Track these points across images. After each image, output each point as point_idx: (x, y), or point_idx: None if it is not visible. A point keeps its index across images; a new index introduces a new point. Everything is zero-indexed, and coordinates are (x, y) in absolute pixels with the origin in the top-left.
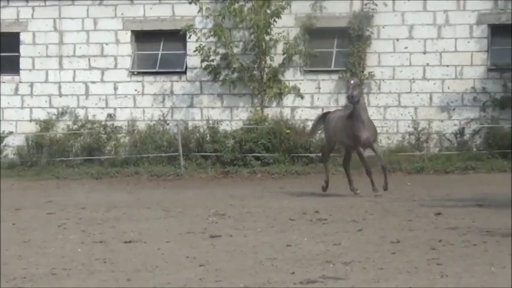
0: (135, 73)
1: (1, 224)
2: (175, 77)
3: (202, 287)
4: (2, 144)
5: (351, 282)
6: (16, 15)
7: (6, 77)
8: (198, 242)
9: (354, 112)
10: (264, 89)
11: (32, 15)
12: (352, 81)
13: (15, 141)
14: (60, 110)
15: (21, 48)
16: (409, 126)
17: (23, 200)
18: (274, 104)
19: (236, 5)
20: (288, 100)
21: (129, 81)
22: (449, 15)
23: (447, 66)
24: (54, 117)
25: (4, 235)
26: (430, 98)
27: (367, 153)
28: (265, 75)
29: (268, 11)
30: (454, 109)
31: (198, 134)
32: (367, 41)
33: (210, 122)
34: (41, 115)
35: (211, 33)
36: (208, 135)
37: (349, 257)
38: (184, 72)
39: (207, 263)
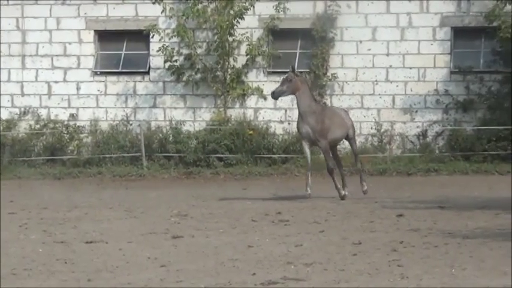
0: (98, 73)
1: None
2: (138, 77)
3: (163, 287)
4: None
5: (312, 283)
6: None
7: None
8: (160, 242)
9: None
10: (227, 89)
11: None
12: (285, 76)
13: None
14: (22, 109)
15: None
16: (372, 128)
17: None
18: (238, 105)
19: (199, 6)
20: (251, 101)
21: (92, 81)
22: (413, 17)
23: (410, 68)
24: (16, 116)
25: None
26: (393, 100)
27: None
28: (228, 76)
29: (232, 12)
30: (416, 111)
31: (161, 135)
32: (330, 42)
33: (173, 122)
34: (3, 114)
35: (175, 33)
36: (171, 135)
37: (310, 258)
38: (148, 73)
39: (168, 264)
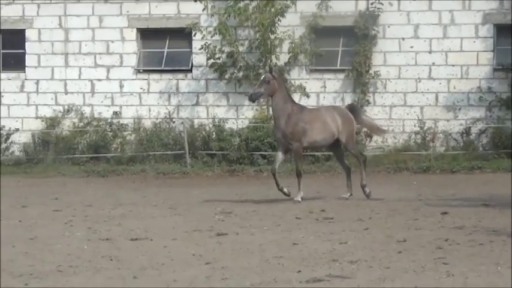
0: (141, 71)
1: (7, 221)
2: (180, 75)
3: (209, 285)
4: (8, 141)
5: (357, 281)
6: (21, 12)
7: (11, 74)
8: (204, 240)
9: None
10: None
11: (38, 12)
12: (262, 77)
13: (21, 138)
14: (66, 107)
15: (27, 45)
16: (415, 126)
17: (29, 197)
18: None
19: (241, 4)
20: (294, 99)
21: (134, 79)
22: (455, 14)
23: (453, 65)
24: (60, 114)
25: (10, 232)
26: (436, 98)
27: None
28: None
29: (273, 10)
30: (459, 109)
31: (204, 132)
32: (373, 40)
33: (216, 120)
34: (47, 112)
35: (216, 31)
36: (214, 133)
37: (355, 256)
38: (190, 70)
39: (213, 261)
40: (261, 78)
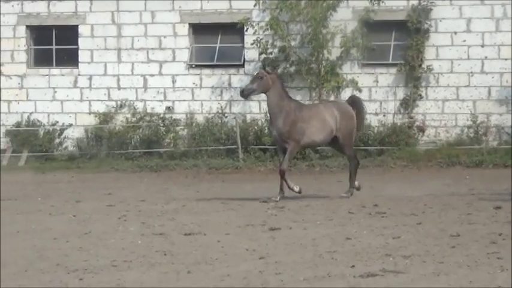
0: (193, 66)
1: (61, 216)
2: (233, 70)
3: (262, 280)
4: (61, 137)
5: (411, 276)
6: (74, 8)
7: (65, 70)
8: (257, 234)
9: None
10: (322, 82)
11: (90, 8)
12: (255, 73)
13: (74, 134)
14: (118, 102)
15: (80, 41)
16: (467, 120)
17: (82, 192)
18: (332, 97)
19: None
20: (346, 93)
21: (187, 74)
22: (507, 8)
23: (505, 59)
24: (113, 109)
25: (65, 227)
26: (489, 92)
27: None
28: (323, 69)
29: (325, 5)
30: None
31: (256, 127)
32: (425, 34)
33: (268, 114)
34: (100, 108)
35: (268, 26)
36: (266, 128)
37: (408, 251)
38: (242, 65)
39: (266, 256)
40: (255, 74)
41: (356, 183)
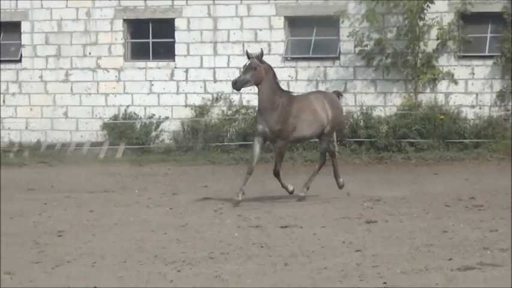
0: (289, 59)
1: (158, 209)
2: (328, 63)
3: (359, 272)
4: (158, 129)
5: (509, 269)
6: (171, 1)
7: (161, 63)
8: (353, 227)
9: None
10: (418, 74)
11: (187, 1)
12: (247, 63)
13: (171, 126)
14: (214, 95)
15: (176, 34)
16: None
17: (179, 185)
18: (428, 89)
19: None
20: (442, 86)
21: (282, 67)
22: None
23: None
24: (209, 102)
25: (162, 219)
26: None
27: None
28: (418, 61)
29: None
30: None
31: (351, 120)
32: None
33: (364, 107)
34: (196, 100)
35: (364, 18)
36: (362, 120)
37: (506, 244)
38: (338, 58)
39: (363, 248)
40: (247, 64)
41: (341, 179)
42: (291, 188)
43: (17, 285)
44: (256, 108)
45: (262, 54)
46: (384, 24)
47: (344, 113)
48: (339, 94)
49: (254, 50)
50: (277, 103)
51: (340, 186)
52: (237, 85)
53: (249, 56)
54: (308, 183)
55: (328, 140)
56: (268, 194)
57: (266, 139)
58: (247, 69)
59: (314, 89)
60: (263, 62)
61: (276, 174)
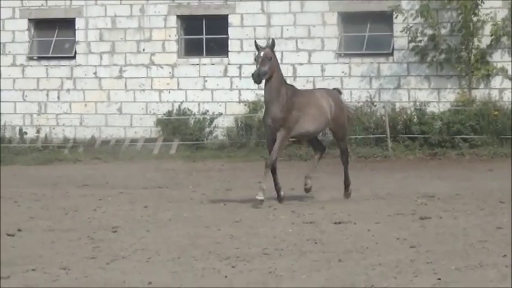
0: (342, 55)
1: (212, 204)
2: (382, 59)
3: (414, 268)
4: (212, 126)
5: None
6: None
7: (215, 59)
8: (407, 223)
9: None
10: (472, 70)
11: None
12: (261, 54)
13: (224, 123)
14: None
15: (230, 30)
16: None
17: (232, 181)
18: (482, 85)
19: None
20: (496, 82)
21: (336, 63)
22: None
23: None
24: (262, 98)
25: (216, 215)
26: None
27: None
28: (472, 57)
29: None
30: None
31: (405, 116)
32: None
33: (417, 103)
34: (250, 96)
35: (418, 14)
36: (415, 116)
37: None
38: (391, 54)
39: (417, 245)
40: (261, 55)
41: (309, 181)
42: (282, 193)
43: (72, 281)
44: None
45: (274, 44)
46: (438, 20)
47: (347, 111)
48: (339, 91)
49: (307, 46)
50: (282, 94)
51: (308, 189)
52: (260, 78)
53: (258, 48)
54: (348, 182)
55: (343, 138)
56: (321, 189)
57: (272, 132)
58: (263, 60)
59: (368, 86)
60: (274, 53)
61: (272, 168)
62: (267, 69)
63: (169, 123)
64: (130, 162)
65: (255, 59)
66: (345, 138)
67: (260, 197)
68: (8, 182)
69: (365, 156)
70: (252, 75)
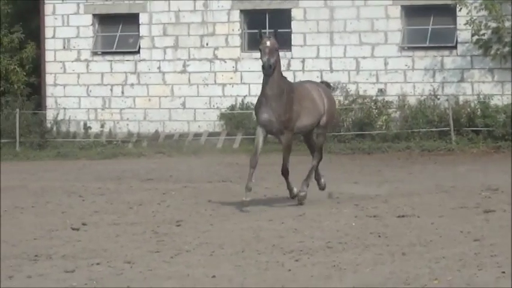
0: (405, 48)
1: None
2: (445, 52)
3: (478, 262)
4: None
5: None
6: None
7: None
8: (471, 217)
9: (262, 84)
10: None
11: None
12: (267, 43)
13: None
14: (332, 85)
15: (293, 24)
16: None
17: (296, 175)
18: None
19: None
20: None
21: (399, 56)
22: None
23: None
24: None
25: (279, 209)
26: None
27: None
28: None
29: None
30: None
31: (469, 109)
32: None
33: (481, 96)
34: None
35: (482, 6)
36: (479, 110)
37: None
38: (455, 47)
39: (481, 238)
40: (269, 45)
41: (295, 189)
42: (295, 190)
43: (136, 274)
44: (259, 96)
45: (276, 34)
46: (502, 13)
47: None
48: (328, 85)
49: (370, 39)
50: (281, 89)
51: (296, 196)
52: (271, 69)
53: (262, 36)
54: (307, 180)
55: (325, 133)
56: (385, 183)
57: (270, 130)
58: (271, 50)
59: (431, 79)
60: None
61: (285, 173)
62: (274, 60)
63: (232, 117)
64: (194, 156)
65: (261, 49)
66: (326, 133)
67: (247, 198)
68: (72, 177)
69: (428, 149)
70: (263, 67)
